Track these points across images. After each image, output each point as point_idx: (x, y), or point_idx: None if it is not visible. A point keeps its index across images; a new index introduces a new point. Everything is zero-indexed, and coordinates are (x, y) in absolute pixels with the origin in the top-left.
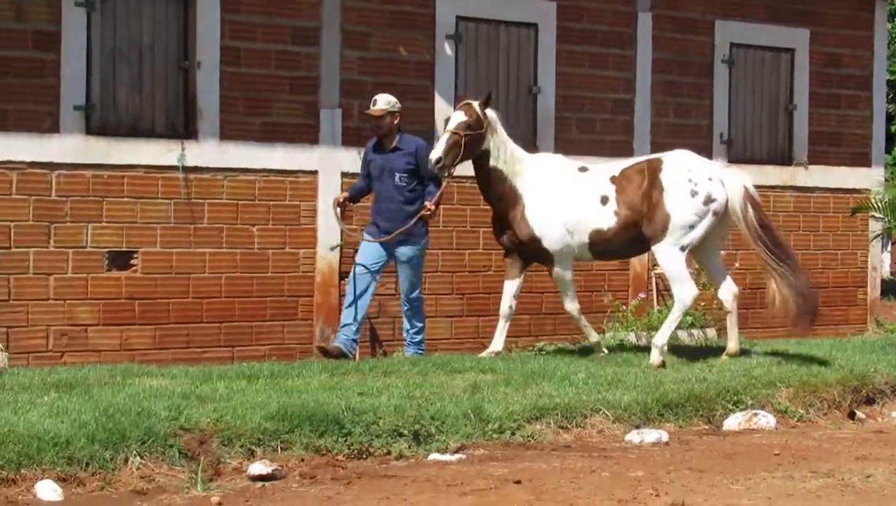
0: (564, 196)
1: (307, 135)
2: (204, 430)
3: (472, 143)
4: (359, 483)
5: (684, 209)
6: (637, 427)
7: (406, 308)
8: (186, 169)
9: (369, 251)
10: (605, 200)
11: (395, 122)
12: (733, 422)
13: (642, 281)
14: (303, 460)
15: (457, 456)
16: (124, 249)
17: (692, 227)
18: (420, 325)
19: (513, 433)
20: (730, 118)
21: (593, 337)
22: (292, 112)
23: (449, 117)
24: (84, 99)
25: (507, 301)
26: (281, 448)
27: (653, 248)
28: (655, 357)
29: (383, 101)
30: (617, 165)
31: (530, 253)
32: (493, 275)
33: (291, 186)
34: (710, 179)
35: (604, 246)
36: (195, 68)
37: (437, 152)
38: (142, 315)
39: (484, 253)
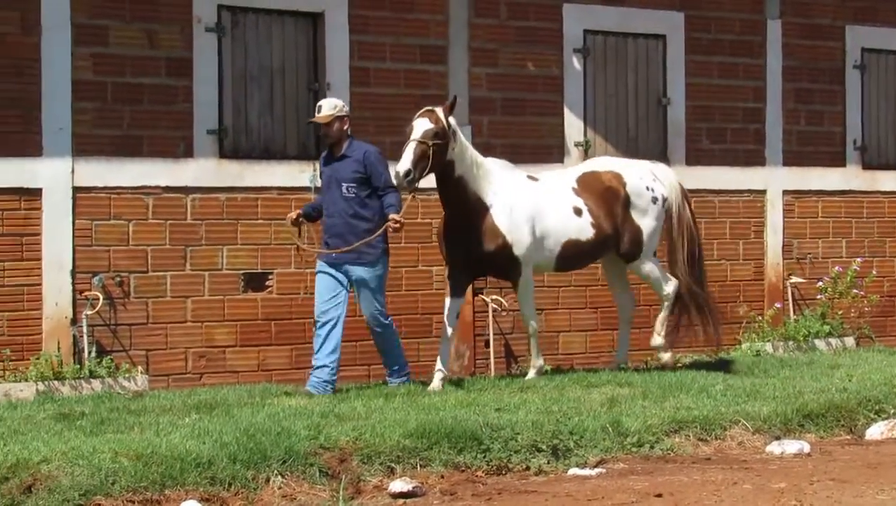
0: (535, 204)
1: None
2: (344, 448)
3: (439, 152)
4: (499, 499)
5: (650, 218)
6: (777, 438)
7: (375, 338)
8: (318, 190)
9: (324, 285)
10: (578, 212)
11: (345, 127)
12: (876, 431)
13: (778, 291)
14: (442, 477)
15: (596, 471)
16: (259, 270)
17: (656, 232)
18: (391, 346)
19: (652, 447)
20: (863, 124)
21: (539, 361)
22: None
23: (411, 126)
24: (217, 123)
25: (451, 320)
26: (420, 465)
27: (630, 265)
28: (666, 357)
29: (328, 106)
30: (567, 176)
31: (493, 265)
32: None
33: (423, 205)
34: (655, 181)
35: (573, 257)
36: (325, 89)
37: (405, 164)
38: (278, 335)
39: None
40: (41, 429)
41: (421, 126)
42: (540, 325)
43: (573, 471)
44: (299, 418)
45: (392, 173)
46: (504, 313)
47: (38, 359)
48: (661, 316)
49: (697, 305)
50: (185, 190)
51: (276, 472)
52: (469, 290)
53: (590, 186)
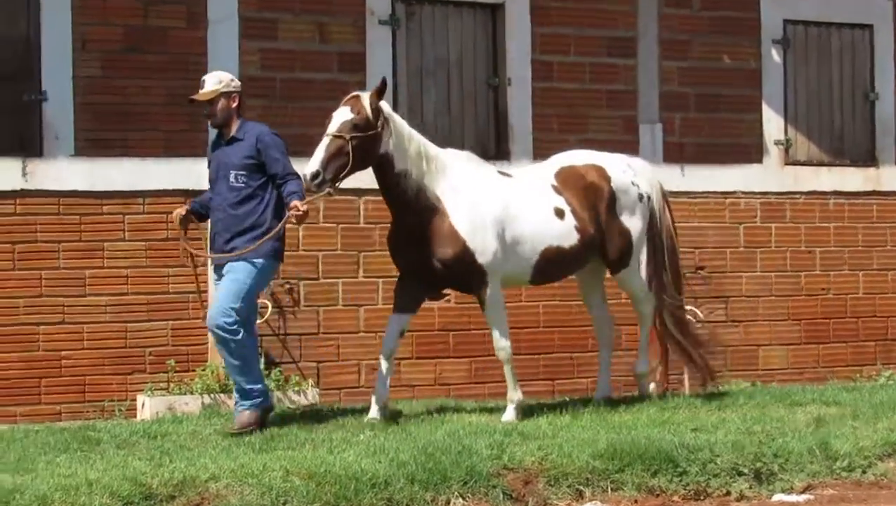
0: (506, 204)
1: (626, 151)
2: (529, 469)
3: (363, 147)
4: None
5: (637, 219)
6: None
7: (216, 339)
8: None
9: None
10: (560, 213)
11: (234, 105)
12: None
13: None
14: (636, 502)
15: (804, 497)
16: None
17: (643, 235)
18: (235, 363)
19: (864, 471)
20: None
21: (517, 394)
22: (609, 128)
23: (329, 117)
24: None
25: (391, 339)
26: (611, 488)
27: (618, 276)
28: (652, 386)
29: (213, 81)
30: (543, 171)
31: (452, 277)
32: (832, 299)
33: None
34: (636, 175)
35: (554, 268)
36: (505, 85)
37: (312, 164)
38: (456, 347)
39: (821, 274)
40: (208, 445)
41: (338, 117)
42: (738, 337)
43: (778, 497)
44: (481, 435)
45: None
46: (699, 326)
47: (203, 371)
48: (645, 337)
49: (685, 330)
50: (358, 192)
51: (456, 493)
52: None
53: (571, 182)
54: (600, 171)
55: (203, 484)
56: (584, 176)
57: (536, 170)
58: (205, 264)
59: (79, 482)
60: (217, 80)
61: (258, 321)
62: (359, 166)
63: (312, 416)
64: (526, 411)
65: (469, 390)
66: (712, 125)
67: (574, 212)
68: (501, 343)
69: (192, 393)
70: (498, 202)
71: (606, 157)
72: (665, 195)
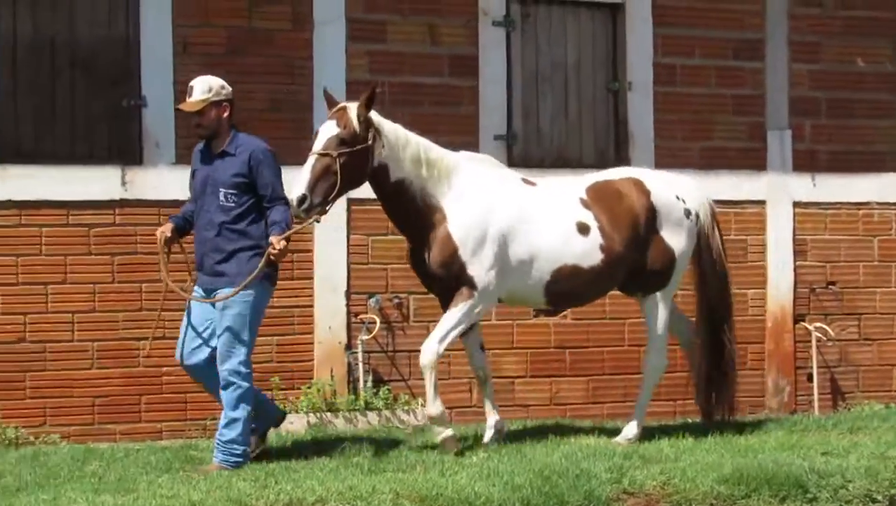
0: (518, 214)
1: (753, 160)
2: (650, 494)
3: (352, 163)
4: None
5: (683, 238)
6: None
7: (222, 384)
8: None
9: (189, 322)
10: (584, 229)
11: (225, 115)
12: None
13: None
14: None
15: None
16: None
17: (687, 259)
18: (233, 414)
19: None
20: None
21: (491, 418)
22: (736, 134)
23: (315, 133)
24: (505, 128)
25: (477, 361)
26: None
27: (644, 298)
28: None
29: (201, 89)
30: (576, 183)
31: (448, 286)
32: None
33: (737, 219)
34: (688, 194)
35: (572, 289)
36: (626, 89)
37: (298, 188)
38: (572, 365)
39: None
40: (315, 466)
41: (324, 133)
42: (871, 356)
43: None
44: (599, 458)
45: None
46: (829, 344)
47: (309, 388)
48: (644, 397)
49: (720, 361)
50: None
51: None
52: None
53: (603, 195)
54: (638, 184)
55: None
56: (618, 189)
57: (570, 181)
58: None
59: (181, 504)
60: (206, 88)
61: (365, 338)
62: (350, 185)
63: (422, 436)
64: (647, 433)
65: (586, 411)
66: (845, 132)
67: (602, 229)
68: (430, 347)
69: (297, 411)
70: (509, 211)
71: (648, 171)
72: (715, 215)
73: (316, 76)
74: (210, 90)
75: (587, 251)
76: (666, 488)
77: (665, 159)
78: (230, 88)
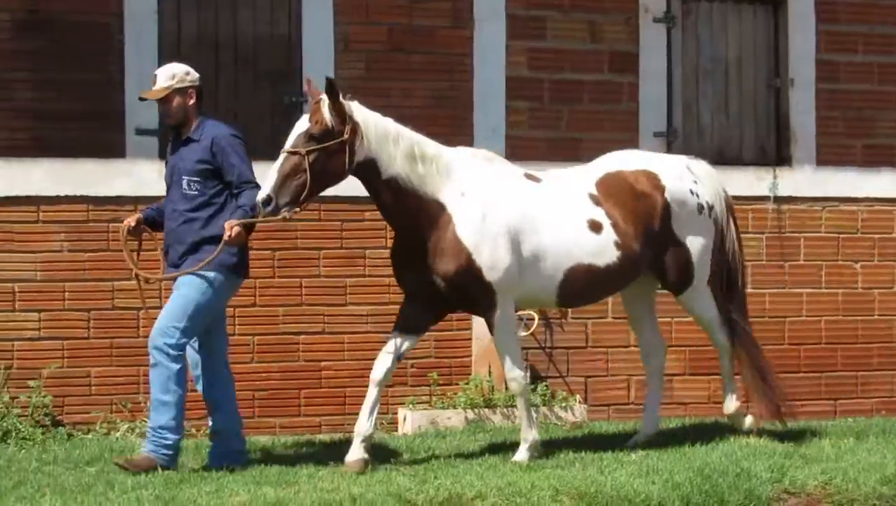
0: (526, 211)
1: None
2: (811, 494)
3: (324, 161)
4: None
5: (698, 234)
6: None
7: (150, 361)
8: (779, 199)
9: None
10: (596, 226)
11: (191, 102)
12: None
13: None
14: None
15: None
16: None
17: (707, 251)
18: (162, 397)
19: None
20: None
21: (533, 432)
22: None
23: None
24: (665, 124)
25: (383, 362)
26: None
27: (680, 298)
28: (749, 421)
29: (165, 76)
30: (584, 177)
31: (458, 295)
32: None
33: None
34: (697, 183)
35: (585, 289)
36: (787, 86)
37: (264, 189)
38: None
39: None
40: (473, 461)
41: (295, 130)
42: None
43: None
44: (759, 457)
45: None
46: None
47: (467, 384)
48: (728, 371)
49: (753, 354)
50: None
51: None
52: None
53: (615, 191)
54: (652, 178)
55: (469, 502)
56: (631, 185)
57: (577, 174)
58: (151, 282)
59: (342, 498)
60: (169, 75)
61: (523, 334)
62: (324, 182)
63: (580, 433)
64: (807, 433)
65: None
66: None
67: (615, 225)
68: (514, 373)
69: (454, 407)
70: (515, 209)
71: (662, 159)
72: (730, 205)
73: (476, 73)
74: (174, 77)
75: (601, 249)
76: (827, 488)
77: (827, 156)
78: (196, 75)
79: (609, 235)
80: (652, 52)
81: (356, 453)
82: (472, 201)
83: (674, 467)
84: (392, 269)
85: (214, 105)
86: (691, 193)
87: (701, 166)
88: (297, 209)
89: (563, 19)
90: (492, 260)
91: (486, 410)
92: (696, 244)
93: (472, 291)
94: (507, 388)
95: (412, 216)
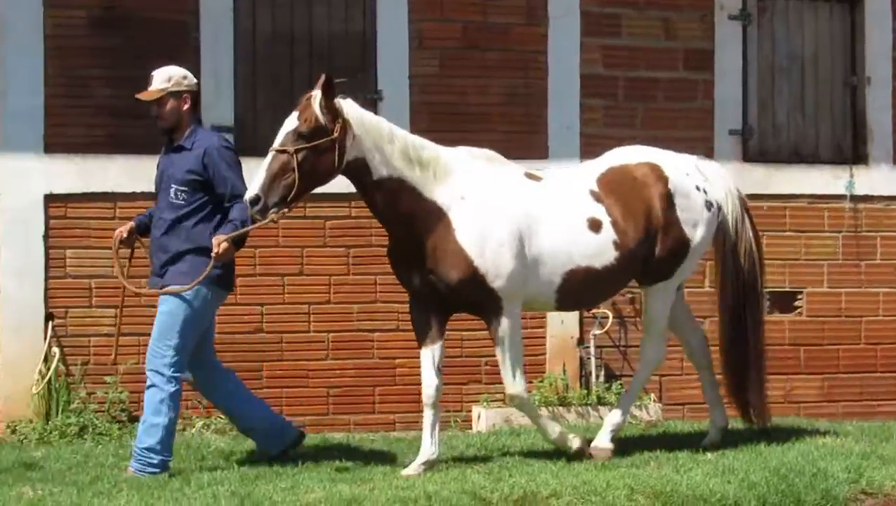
0: (526, 212)
1: None
2: (889, 494)
3: (317, 159)
4: None
5: (702, 229)
6: None
7: (147, 383)
8: (855, 198)
9: None
10: (595, 225)
11: (185, 107)
12: None
13: None
14: None
15: None
16: (787, 288)
17: (700, 251)
18: (153, 419)
19: None
20: None
21: (553, 430)
22: None
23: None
24: (740, 122)
25: (430, 380)
26: None
27: (650, 288)
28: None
29: (160, 79)
30: (586, 173)
31: (462, 302)
32: None
33: None
34: (706, 181)
35: (585, 291)
36: (864, 84)
37: (252, 188)
38: (807, 363)
39: None
40: (548, 460)
41: (284, 128)
42: None
43: None
44: (836, 458)
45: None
46: None
47: (541, 382)
48: (634, 392)
49: (748, 361)
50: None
51: None
52: None
53: (616, 185)
54: (655, 169)
55: (544, 500)
56: (633, 177)
57: (579, 171)
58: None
59: (417, 495)
60: (165, 78)
61: (598, 332)
62: (314, 181)
63: (655, 432)
64: (884, 433)
65: (821, 409)
66: None
67: (615, 224)
68: (516, 388)
69: None
70: (518, 211)
71: (668, 154)
72: (746, 207)
73: (550, 71)
74: (169, 80)
75: (601, 250)
76: None
77: None
78: (194, 81)
79: (608, 234)
80: (727, 50)
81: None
82: (473, 205)
83: (749, 467)
84: (395, 272)
85: (290, 102)
86: (697, 188)
87: (710, 166)
88: (286, 210)
89: (638, 17)
90: (496, 267)
91: (561, 408)
92: (697, 241)
93: (477, 298)
94: (581, 386)
95: (406, 219)
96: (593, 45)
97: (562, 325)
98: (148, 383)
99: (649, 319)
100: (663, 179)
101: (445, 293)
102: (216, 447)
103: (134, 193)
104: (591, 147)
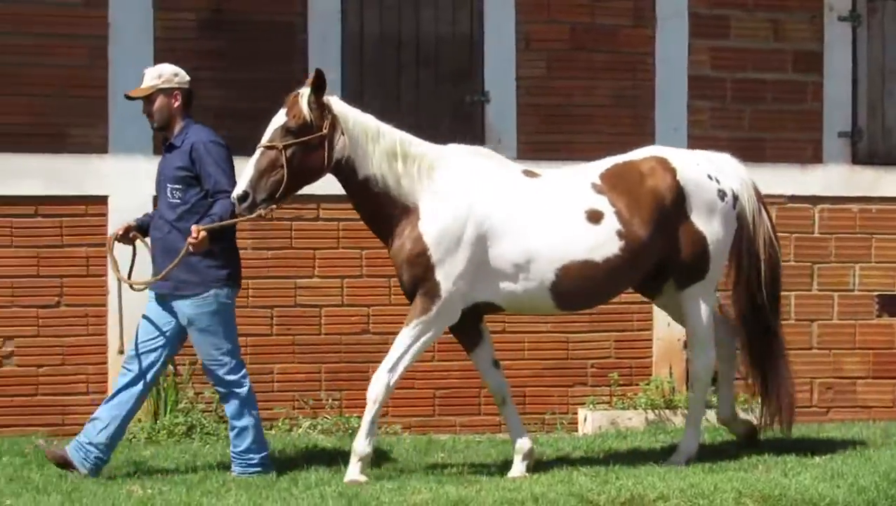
0: (511, 208)
1: None
2: None
3: (302, 156)
4: None
5: (717, 223)
6: None
7: (220, 398)
8: None
9: (142, 325)
10: (595, 217)
11: (175, 104)
12: None
13: None
14: None
15: None
16: (895, 292)
17: (725, 246)
18: (239, 424)
19: None
20: None
21: (365, 444)
22: None
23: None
24: (849, 125)
25: (494, 382)
26: None
27: (684, 293)
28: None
29: (151, 76)
30: (589, 169)
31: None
32: None
33: None
34: (720, 172)
35: (587, 288)
36: None
37: (240, 184)
38: None
39: None
40: (655, 463)
41: (272, 124)
42: None
43: None
44: None
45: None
46: None
47: (647, 385)
48: (693, 405)
49: (773, 363)
50: (813, 200)
51: None
52: None
53: (620, 178)
54: (662, 161)
55: (651, 503)
56: (639, 170)
57: (585, 168)
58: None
59: (524, 497)
60: (156, 75)
61: None
62: (302, 179)
63: (762, 435)
64: None
65: None
66: None
67: (619, 214)
68: (382, 380)
69: (635, 408)
70: (493, 208)
71: (677, 150)
72: (761, 198)
73: (658, 72)
74: (160, 77)
75: (600, 242)
76: None
77: None
78: (186, 77)
79: (611, 224)
80: (837, 51)
81: (517, 468)
82: (446, 201)
83: (859, 471)
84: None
85: (397, 105)
86: (709, 177)
87: (722, 157)
88: (274, 206)
89: (747, 18)
90: (448, 263)
91: (667, 411)
92: (715, 234)
93: (420, 283)
94: (688, 389)
95: (387, 218)
96: (702, 47)
97: (668, 327)
98: (220, 397)
99: (690, 329)
100: (671, 170)
101: (402, 282)
102: (322, 448)
103: None
104: (698, 148)
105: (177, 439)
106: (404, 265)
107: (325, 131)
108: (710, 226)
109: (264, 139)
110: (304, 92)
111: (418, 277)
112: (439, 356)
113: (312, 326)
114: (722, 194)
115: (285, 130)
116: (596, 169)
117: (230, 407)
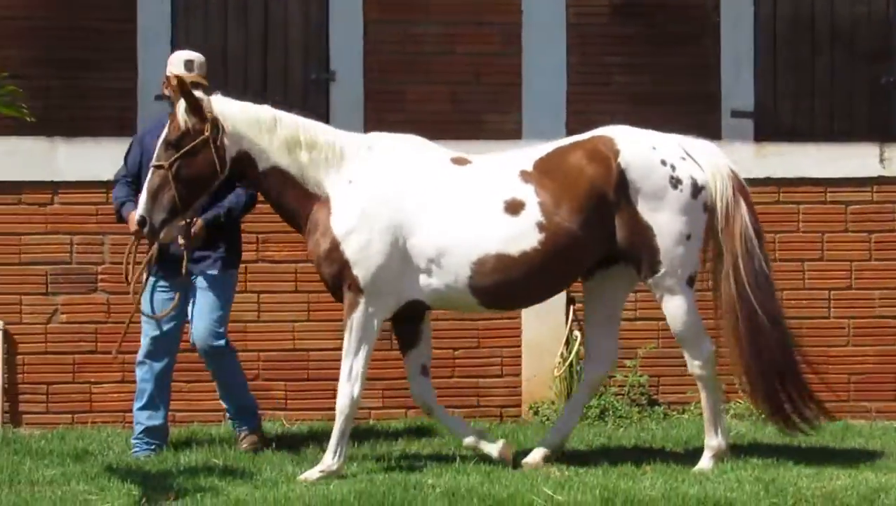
0: (426, 197)
1: None
2: None
3: (192, 165)
4: None
5: (669, 213)
6: None
7: (209, 367)
8: None
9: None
10: (513, 207)
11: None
12: None
13: None
14: None
15: None
16: None
17: (684, 238)
18: (240, 403)
19: None
20: None
21: (334, 460)
22: None
23: None
24: None
25: (415, 389)
26: None
27: (651, 281)
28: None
29: (199, 65)
30: (527, 153)
31: (335, 287)
32: None
33: None
34: (685, 159)
35: (511, 283)
36: None
37: (138, 211)
38: None
39: None
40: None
41: (159, 141)
42: None
43: None
44: None
45: None
46: None
47: None
48: (707, 404)
49: (780, 372)
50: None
51: None
52: None
53: (555, 164)
54: (605, 141)
55: None
56: (579, 152)
57: (525, 152)
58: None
59: None
60: (199, 64)
61: None
62: (197, 189)
63: None
64: None
65: None
66: None
67: (542, 204)
68: (344, 391)
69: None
70: (408, 198)
71: (638, 130)
72: (740, 188)
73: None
74: (202, 67)
75: (517, 234)
76: None
77: None
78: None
79: (531, 215)
80: None
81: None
82: (357, 190)
83: None
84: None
85: (811, 86)
86: (662, 162)
87: (699, 143)
88: (185, 221)
89: None
90: (361, 253)
91: None
92: (666, 224)
93: (339, 283)
94: None
95: (297, 211)
96: None
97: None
98: (207, 363)
99: (673, 329)
100: (614, 152)
101: (322, 278)
102: (737, 432)
103: None
104: None
105: (589, 422)
106: (321, 263)
107: (206, 134)
108: (657, 215)
109: (153, 161)
110: (179, 103)
111: (335, 274)
112: (854, 341)
113: None
114: (674, 182)
115: (167, 145)
116: (534, 154)
117: (225, 367)
